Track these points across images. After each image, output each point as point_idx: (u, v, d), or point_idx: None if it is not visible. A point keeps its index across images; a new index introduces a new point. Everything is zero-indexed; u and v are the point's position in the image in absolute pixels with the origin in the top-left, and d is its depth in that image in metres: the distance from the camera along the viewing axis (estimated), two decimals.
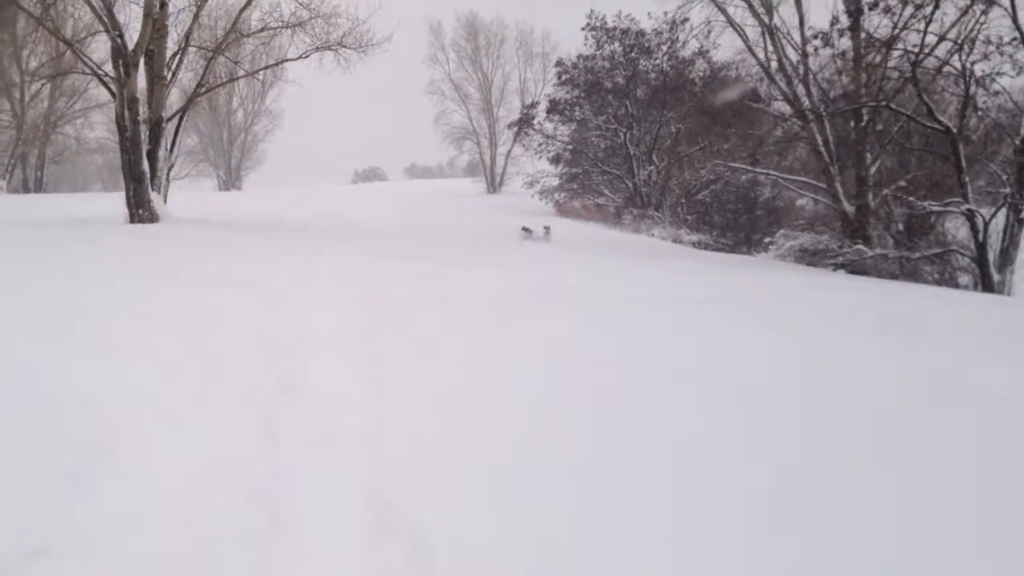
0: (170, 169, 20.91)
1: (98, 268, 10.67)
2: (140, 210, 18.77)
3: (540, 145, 41.45)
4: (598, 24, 36.80)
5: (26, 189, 47.59)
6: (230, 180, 69.77)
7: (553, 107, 39.54)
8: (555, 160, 41.22)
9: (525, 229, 22.94)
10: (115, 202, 20.91)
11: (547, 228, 23.12)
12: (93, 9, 19.04)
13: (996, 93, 22.51)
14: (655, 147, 35.74)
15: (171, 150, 20.73)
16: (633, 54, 36.58)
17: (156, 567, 3.47)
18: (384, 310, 8.65)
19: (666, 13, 32.00)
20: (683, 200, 34.25)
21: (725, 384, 6.12)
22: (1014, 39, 21.15)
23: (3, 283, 9.08)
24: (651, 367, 6.68)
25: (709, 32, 28.70)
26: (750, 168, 28.23)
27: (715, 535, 3.71)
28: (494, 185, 60.96)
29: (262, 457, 4.63)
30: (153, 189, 19.13)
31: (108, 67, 19.80)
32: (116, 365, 6.04)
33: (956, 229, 23.55)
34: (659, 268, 16.60)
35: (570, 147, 40.98)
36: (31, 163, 48.98)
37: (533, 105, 43.81)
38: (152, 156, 19.34)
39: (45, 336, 6.65)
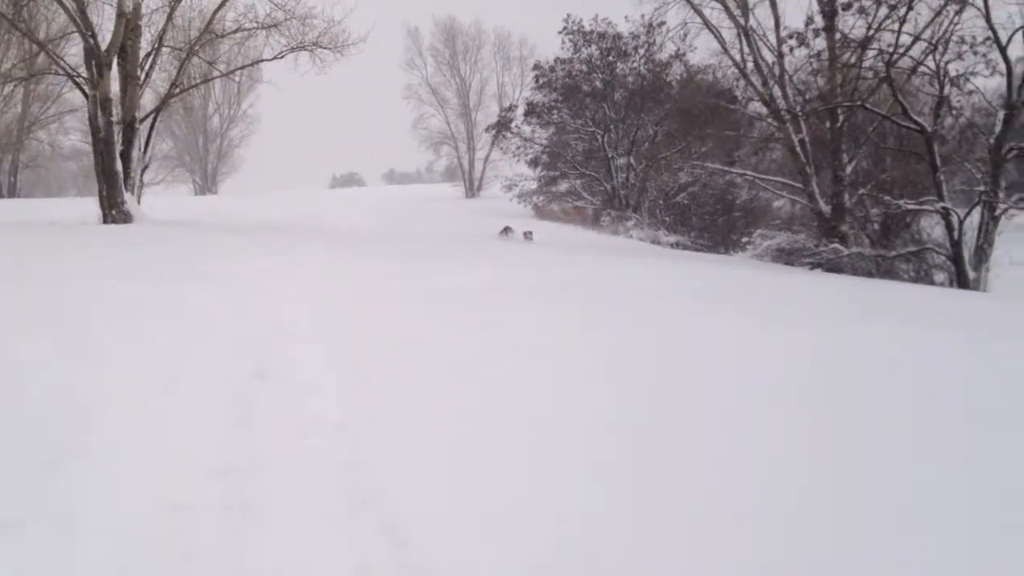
0: (144, 170, 20.71)
1: (72, 268, 10.55)
2: (113, 211, 18.61)
3: (518, 148, 41.50)
4: (575, 28, 36.88)
5: None
6: (206, 185, 69.46)
7: (531, 110, 39.55)
8: (533, 163, 41.27)
9: (506, 229, 23.26)
10: (89, 206, 20.70)
11: (528, 233, 23.40)
12: (66, 10, 18.87)
13: (970, 92, 22.74)
14: (633, 150, 35.77)
15: (144, 151, 20.52)
16: (610, 57, 36.67)
17: (126, 539, 3.46)
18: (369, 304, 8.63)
19: (643, 16, 32.17)
20: (661, 202, 34.34)
21: (729, 376, 6.18)
22: (987, 39, 21.35)
23: None
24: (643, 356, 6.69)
25: (685, 35, 28.80)
26: (727, 169, 28.36)
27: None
28: (473, 189, 60.90)
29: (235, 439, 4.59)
30: (127, 190, 18.97)
31: (82, 70, 19.54)
32: (93, 358, 6.00)
33: (931, 228, 23.68)
34: (641, 265, 16.64)
35: (548, 150, 40.99)
36: (4, 168, 48.58)
37: (511, 108, 43.79)
38: (125, 157, 19.18)
39: (25, 332, 6.61)
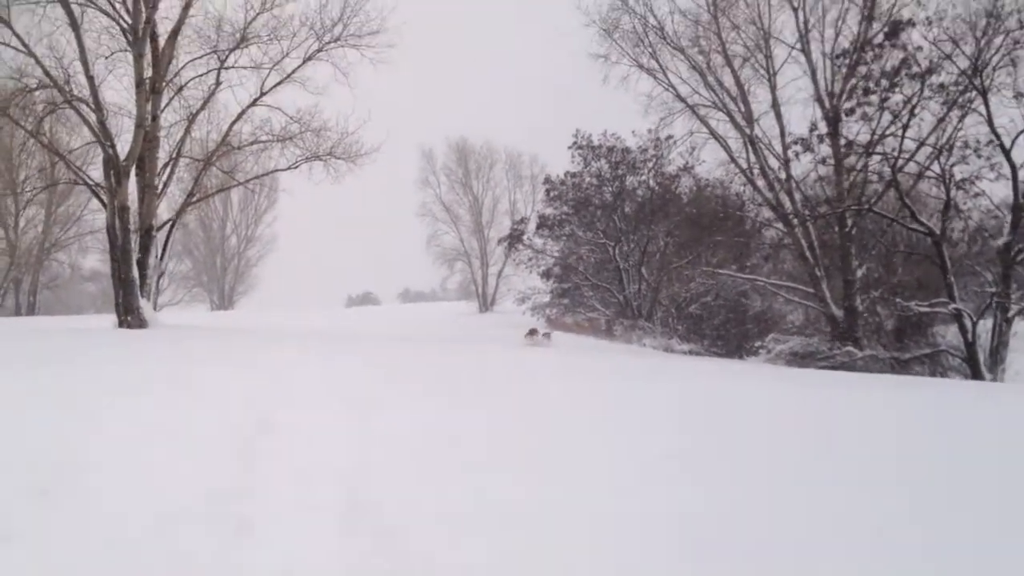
0: (160, 277, 20.96)
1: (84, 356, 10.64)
2: (129, 316, 18.74)
3: (530, 260, 41.81)
4: (584, 143, 37.58)
5: (18, 313, 47.59)
6: (223, 303, 70.01)
7: (543, 222, 40.02)
8: (545, 275, 41.48)
9: (532, 331, 24.98)
10: (106, 320, 20.96)
11: (547, 333, 24.23)
12: (86, 122, 19.38)
13: (977, 195, 22.91)
14: (644, 260, 35.99)
15: (161, 258, 20.80)
16: (620, 171, 37.24)
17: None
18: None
19: (649, 130, 32.94)
20: (674, 311, 34.36)
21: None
22: (991, 142, 21.62)
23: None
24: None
25: (693, 148, 29.52)
26: (738, 275, 28.43)
27: None
28: (486, 304, 61.12)
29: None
30: (142, 296, 19.13)
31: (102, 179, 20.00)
32: (96, 423, 6.05)
33: (945, 331, 23.60)
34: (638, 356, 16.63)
35: (560, 262, 41.26)
36: (23, 288, 49.11)
37: (523, 221, 44.30)
38: (142, 264, 19.42)
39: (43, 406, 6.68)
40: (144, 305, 19.14)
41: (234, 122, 21.89)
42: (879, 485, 5.38)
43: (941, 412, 9.06)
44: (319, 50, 21.68)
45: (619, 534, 4.21)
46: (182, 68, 20.94)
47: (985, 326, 22.00)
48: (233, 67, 21.45)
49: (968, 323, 21.36)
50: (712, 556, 3.96)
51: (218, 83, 21.34)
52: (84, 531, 3.95)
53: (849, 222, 24.09)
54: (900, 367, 22.41)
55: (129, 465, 5.01)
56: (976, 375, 21.14)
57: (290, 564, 3.80)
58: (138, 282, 19.06)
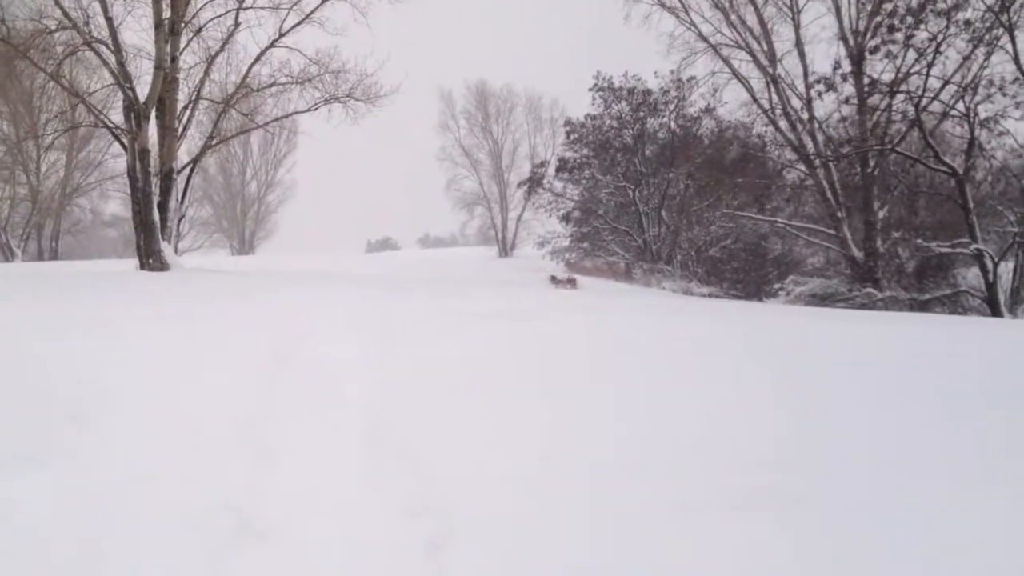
0: (180, 220, 21.05)
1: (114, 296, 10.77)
2: (150, 259, 18.85)
3: (550, 203, 41.73)
4: (605, 84, 37.20)
5: (40, 259, 48.00)
6: (243, 249, 70.27)
7: (563, 165, 39.82)
8: (565, 219, 41.35)
9: (552, 278, 25.13)
10: (128, 265, 21.15)
11: (572, 279, 24.70)
12: (106, 63, 19.36)
13: (1001, 134, 22.61)
14: (664, 203, 35.83)
15: (182, 201, 20.89)
16: (640, 113, 36.91)
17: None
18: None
19: (671, 71, 32.61)
20: (693, 254, 34.29)
21: None
22: (1016, 80, 21.29)
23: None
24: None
25: (715, 90, 29.11)
26: (759, 217, 28.28)
27: None
28: (506, 249, 61.10)
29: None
30: (163, 239, 19.23)
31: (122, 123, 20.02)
32: (122, 355, 6.15)
33: (967, 272, 23.48)
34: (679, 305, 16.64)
35: (580, 206, 41.13)
36: (46, 234, 49.45)
37: (543, 164, 44.11)
38: (163, 207, 19.47)
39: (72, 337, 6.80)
40: (165, 248, 19.24)
41: (253, 64, 21.82)
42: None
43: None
44: None
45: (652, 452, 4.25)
46: (201, 8, 20.78)
47: (1006, 267, 21.87)
48: (252, 7, 21.31)
49: (989, 263, 21.22)
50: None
51: (237, 24, 21.21)
52: (112, 455, 4.04)
53: (872, 163, 23.90)
54: (920, 308, 22.34)
55: (154, 393, 5.12)
56: (996, 315, 21.04)
57: (316, 484, 3.89)
58: (159, 225, 19.13)
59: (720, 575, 3.04)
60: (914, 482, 3.80)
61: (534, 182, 41.94)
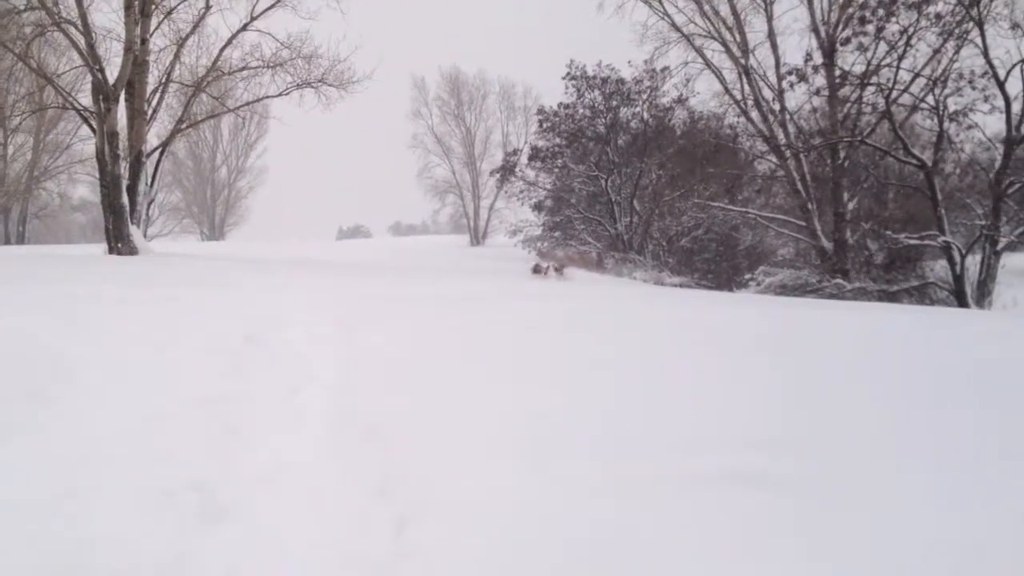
0: (150, 204, 20.87)
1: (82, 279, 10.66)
2: (119, 244, 18.68)
3: (522, 192, 41.67)
4: (578, 73, 37.13)
5: (7, 243, 47.44)
6: (213, 236, 69.81)
7: (535, 154, 39.71)
8: (537, 208, 41.36)
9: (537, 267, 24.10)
10: (97, 249, 20.94)
11: (559, 268, 23.99)
12: (74, 44, 19.14)
13: (970, 128, 22.84)
14: (636, 194, 35.90)
15: (151, 185, 20.70)
16: (613, 102, 36.91)
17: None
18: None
19: (645, 61, 32.63)
20: (664, 244, 34.41)
21: None
22: (985, 73, 21.49)
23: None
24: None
25: (688, 80, 29.17)
26: (730, 207, 28.43)
27: None
28: (478, 237, 61.11)
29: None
30: (132, 223, 19.06)
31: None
32: (88, 335, 6.10)
33: (935, 265, 23.69)
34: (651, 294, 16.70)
35: (552, 195, 41.13)
36: (13, 217, 48.89)
37: (515, 152, 43.97)
38: (132, 191, 19.31)
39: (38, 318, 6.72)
40: (134, 232, 19.08)
41: (224, 47, 21.67)
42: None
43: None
44: None
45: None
46: None
47: (974, 260, 22.08)
48: None
49: (957, 256, 21.43)
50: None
51: (208, 6, 21.05)
52: (75, 430, 4.01)
53: (842, 154, 24.06)
54: (888, 299, 22.52)
55: (119, 373, 5.08)
56: (963, 307, 21.26)
57: (284, 463, 3.88)
58: (128, 209, 18.96)
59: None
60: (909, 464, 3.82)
61: (506, 170, 41.85)
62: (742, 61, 26.03)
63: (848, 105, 24.01)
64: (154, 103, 20.63)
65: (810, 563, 2.89)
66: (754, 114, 26.23)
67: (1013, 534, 3.09)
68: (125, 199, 18.93)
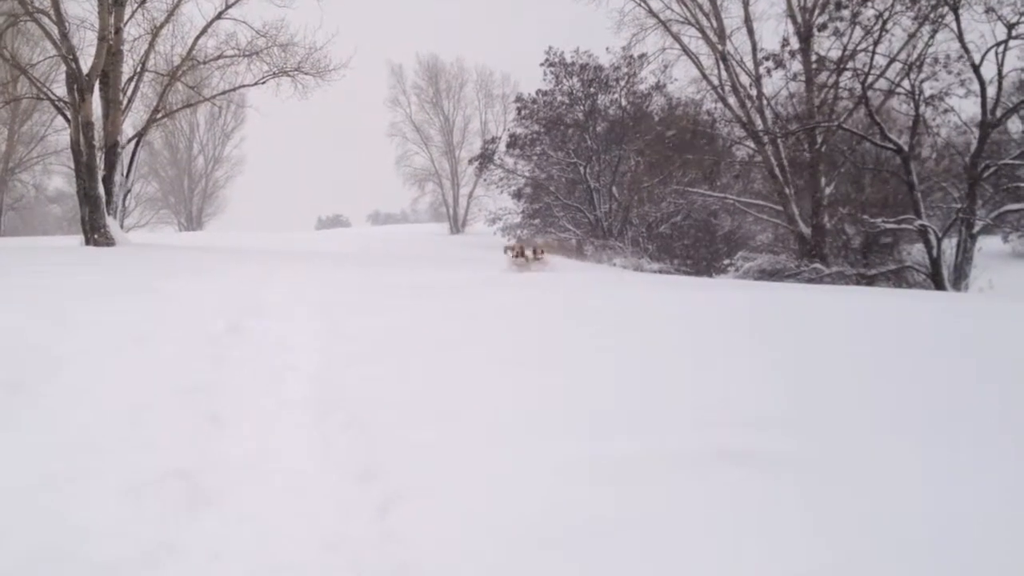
0: (126, 195, 20.71)
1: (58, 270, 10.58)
2: (95, 234, 18.51)
3: (501, 180, 41.63)
4: (557, 60, 37.16)
5: None
6: (191, 226, 69.33)
7: (514, 141, 39.67)
8: (516, 195, 41.30)
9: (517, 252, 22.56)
10: (73, 241, 20.77)
11: (540, 253, 22.67)
12: (48, 34, 18.94)
13: (946, 112, 22.98)
14: (615, 180, 35.97)
15: (127, 175, 20.54)
16: (592, 89, 36.96)
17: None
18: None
19: (623, 48, 32.58)
20: (644, 231, 34.49)
21: None
22: (960, 57, 21.61)
23: None
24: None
25: (665, 66, 29.12)
26: (708, 193, 28.49)
27: None
28: (457, 226, 60.96)
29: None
30: (109, 214, 18.91)
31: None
32: (66, 326, 6.05)
33: (912, 248, 23.84)
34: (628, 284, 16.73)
35: (531, 182, 41.10)
36: None
37: (494, 140, 43.95)
38: (108, 181, 19.15)
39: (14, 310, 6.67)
40: (111, 223, 18.91)
41: (199, 36, 21.42)
42: None
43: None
44: None
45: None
46: None
47: (950, 243, 22.21)
48: None
49: (933, 239, 21.54)
50: None
51: None
52: (55, 424, 4.00)
53: (819, 140, 24.12)
54: (866, 283, 22.64)
55: (99, 364, 5.06)
56: (940, 290, 21.39)
57: (267, 450, 3.88)
58: (104, 199, 18.80)
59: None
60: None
61: (485, 158, 41.82)
62: (719, 47, 26.03)
63: (825, 90, 24.09)
64: (129, 93, 20.44)
65: (815, 536, 2.92)
66: (732, 100, 26.25)
67: (1012, 507, 3.12)
68: (101, 190, 18.75)
